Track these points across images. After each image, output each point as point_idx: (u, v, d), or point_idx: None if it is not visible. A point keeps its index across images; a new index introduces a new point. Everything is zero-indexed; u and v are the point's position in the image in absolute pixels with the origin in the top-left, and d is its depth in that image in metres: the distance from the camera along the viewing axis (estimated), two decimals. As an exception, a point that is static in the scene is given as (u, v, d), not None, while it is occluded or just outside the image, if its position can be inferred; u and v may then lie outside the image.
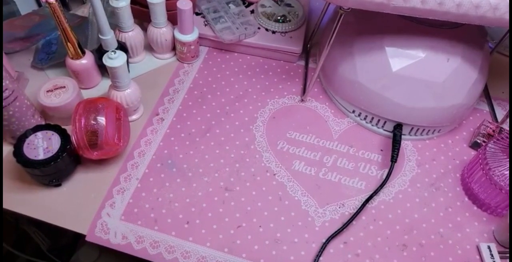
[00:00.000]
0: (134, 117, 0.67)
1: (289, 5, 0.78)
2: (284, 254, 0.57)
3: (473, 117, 0.72)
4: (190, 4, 0.66)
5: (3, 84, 0.54)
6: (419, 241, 0.59)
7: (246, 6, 0.78)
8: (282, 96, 0.72)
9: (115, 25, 0.68)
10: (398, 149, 0.64)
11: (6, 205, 0.58)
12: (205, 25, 0.75)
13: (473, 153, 0.68)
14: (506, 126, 0.68)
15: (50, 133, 0.57)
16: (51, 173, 0.57)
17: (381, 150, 0.67)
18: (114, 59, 0.58)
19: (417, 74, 0.61)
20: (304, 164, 0.65)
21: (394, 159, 0.63)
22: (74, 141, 0.57)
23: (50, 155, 0.55)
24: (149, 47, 0.75)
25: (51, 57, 0.71)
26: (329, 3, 0.69)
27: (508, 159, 0.58)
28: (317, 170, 0.64)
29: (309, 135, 0.68)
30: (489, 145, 0.60)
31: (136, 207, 0.59)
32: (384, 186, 0.62)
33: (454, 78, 0.61)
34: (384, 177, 0.63)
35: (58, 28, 0.59)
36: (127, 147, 0.64)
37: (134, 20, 0.69)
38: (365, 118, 0.68)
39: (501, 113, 0.72)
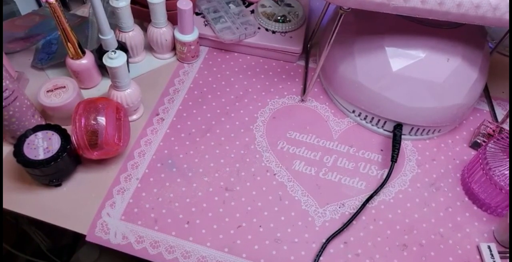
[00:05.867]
0: (134, 117, 0.67)
1: (289, 5, 0.78)
2: (284, 254, 0.57)
3: (473, 117, 0.72)
4: (190, 4, 0.66)
5: (3, 84, 0.54)
6: (419, 241, 0.59)
7: (246, 6, 0.78)
8: (282, 96, 0.72)
9: (115, 25, 0.68)
10: (398, 149, 0.64)
11: (6, 205, 0.58)
12: (205, 25, 0.75)
13: (473, 152, 0.68)
14: (506, 126, 0.68)
15: (50, 132, 0.57)
16: (51, 173, 0.57)
17: (381, 150, 0.67)
18: (114, 59, 0.58)
19: (417, 74, 0.61)
20: (304, 164, 0.65)
21: (394, 158, 0.63)
22: (74, 141, 0.57)
23: (50, 154, 0.55)
24: (149, 47, 0.75)
25: (51, 57, 0.71)
26: (329, 3, 0.69)
27: (508, 159, 0.58)
28: (317, 170, 0.64)
29: (309, 134, 0.68)
30: (489, 145, 0.60)
31: (136, 207, 0.59)
32: (384, 186, 0.62)
33: (454, 78, 0.61)
34: (384, 176, 0.63)
35: (58, 28, 0.59)
36: (127, 147, 0.64)
37: (134, 20, 0.69)
38: (365, 118, 0.68)
39: (501, 113, 0.72)
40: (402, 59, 0.61)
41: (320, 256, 0.56)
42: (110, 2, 0.64)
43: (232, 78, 0.74)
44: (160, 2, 0.66)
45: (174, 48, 0.75)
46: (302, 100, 0.72)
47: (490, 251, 0.57)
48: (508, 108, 0.72)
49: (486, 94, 0.75)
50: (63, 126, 0.59)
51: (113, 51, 0.59)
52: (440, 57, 0.61)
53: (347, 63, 0.65)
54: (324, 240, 0.58)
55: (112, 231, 0.57)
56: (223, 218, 0.59)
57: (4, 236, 0.91)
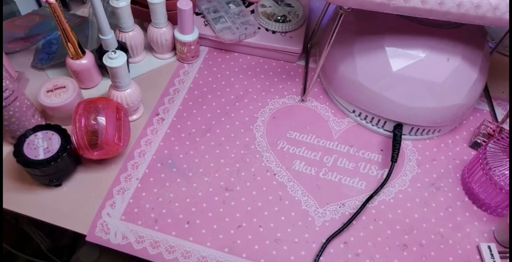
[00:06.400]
0: (134, 117, 0.67)
1: (289, 5, 0.78)
2: (284, 254, 0.57)
3: (473, 117, 0.72)
4: (190, 4, 0.66)
5: (3, 84, 0.54)
6: (419, 241, 0.59)
7: (246, 6, 0.78)
8: (282, 96, 0.72)
9: (115, 25, 0.68)
10: (398, 149, 0.64)
11: (6, 205, 0.58)
12: (205, 25, 0.75)
13: (473, 152, 0.68)
14: (506, 126, 0.68)
15: (50, 132, 0.57)
16: (51, 173, 0.57)
17: (381, 150, 0.67)
18: (114, 59, 0.58)
19: (417, 74, 0.61)
20: (304, 164, 0.65)
21: (394, 158, 0.63)
22: (74, 141, 0.57)
23: (50, 154, 0.55)
24: (149, 47, 0.75)
25: (51, 57, 0.71)
26: (329, 3, 0.69)
27: (508, 159, 0.58)
28: (317, 170, 0.64)
29: (309, 134, 0.68)
30: (489, 145, 0.60)
31: (136, 207, 0.59)
32: (384, 186, 0.62)
33: (454, 78, 0.61)
34: (384, 176, 0.63)
35: (58, 28, 0.59)
36: (128, 146, 0.64)
37: (134, 20, 0.69)
38: (365, 118, 0.68)
39: (501, 113, 0.72)
40: (402, 59, 0.61)
41: (320, 256, 0.56)
42: (110, 2, 0.64)
43: (232, 78, 0.74)
44: (160, 2, 0.66)
45: (174, 48, 0.75)
46: (302, 100, 0.72)
47: (490, 251, 0.57)
48: (508, 108, 0.72)
49: (486, 94, 0.75)
50: (63, 126, 0.59)
51: (113, 51, 0.59)
52: (440, 57, 0.61)
53: (347, 63, 0.65)
54: (324, 240, 0.58)
55: (112, 231, 0.57)
56: (223, 218, 0.59)
57: (4, 236, 0.91)
